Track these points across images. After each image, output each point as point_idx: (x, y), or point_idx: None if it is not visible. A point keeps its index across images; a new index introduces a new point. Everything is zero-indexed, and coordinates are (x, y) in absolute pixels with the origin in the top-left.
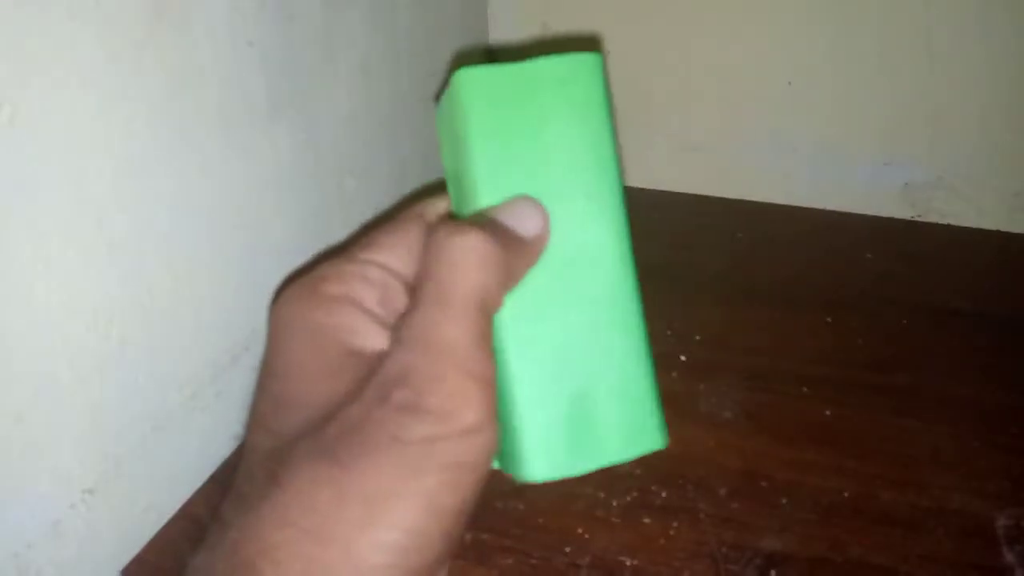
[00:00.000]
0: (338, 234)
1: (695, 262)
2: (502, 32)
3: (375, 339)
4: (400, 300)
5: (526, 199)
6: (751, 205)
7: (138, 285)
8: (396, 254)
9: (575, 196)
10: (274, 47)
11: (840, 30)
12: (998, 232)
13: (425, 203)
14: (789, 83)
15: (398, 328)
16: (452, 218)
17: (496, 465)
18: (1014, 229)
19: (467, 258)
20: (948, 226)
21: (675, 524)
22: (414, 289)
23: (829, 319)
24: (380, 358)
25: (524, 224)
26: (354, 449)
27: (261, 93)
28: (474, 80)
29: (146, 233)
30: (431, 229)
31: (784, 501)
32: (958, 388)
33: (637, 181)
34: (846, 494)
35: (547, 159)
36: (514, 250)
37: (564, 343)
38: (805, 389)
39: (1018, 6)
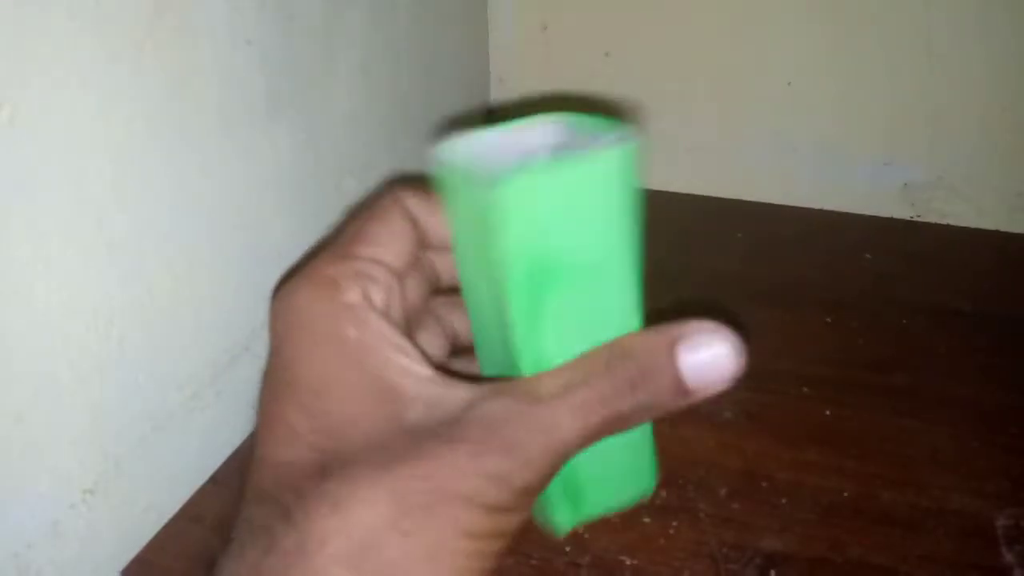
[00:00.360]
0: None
1: (695, 262)
2: (502, 31)
3: (402, 352)
4: (396, 299)
5: (721, 336)
6: (751, 205)
7: (138, 285)
8: (390, 248)
9: (597, 290)
10: (274, 46)
11: (840, 30)
12: (998, 232)
13: (402, 190)
14: (789, 83)
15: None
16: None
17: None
18: (1014, 229)
19: (665, 387)
20: (948, 226)
21: (675, 524)
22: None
23: (829, 319)
24: (451, 391)
25: (707, 374)
26: (426, 497)
27: (261, 93)
28: (512, 198)
29: (146, 233)
30: (669, 338)
31: (784, 501)
32: (958, 388)
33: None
34: (846, 494)
35: (579, 252)
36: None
37: None
38: (805, 389)
39: (1018, 6)
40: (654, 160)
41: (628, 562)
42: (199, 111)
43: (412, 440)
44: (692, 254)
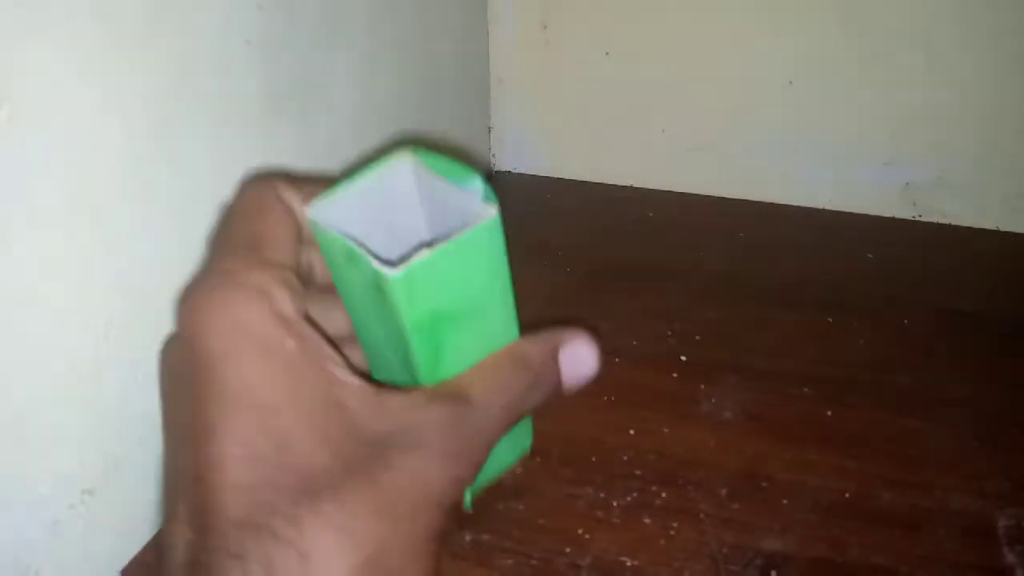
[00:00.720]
0: None
1: (695, 262)
2: (502, 31)
3: (337, 364)
4: (303, 304)
5: (588, 343)
6: (752, 205)
7: (137, 284)
8: (290, 249)
9: (484, 322)
10: (273, 46)
11: (841, 30)
12: (999, 232)
13: (275, 180)
14: (790, 82)
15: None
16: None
17: None
18: (1016, 229)
19: (551, 384)
20: (950, 226)
21: (675, 524)
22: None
23: (830, 319)
24: (370, 395)
25: (579, 371)
26: (406, 509)
27: (260, 93)
28: (406, 281)
29: (145, 232)
30: (560, 339)
31: (785, 502)
32: (959, 388)
33: (637, 181)
34: (847, 494)
35: (467, 301)
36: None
37: None
38: (806, 389)
39: (1019, 6)
40: (654, 160)
41: (628, 563)
42: (198, 111)
43: (375, 452)
44: (692, 254)
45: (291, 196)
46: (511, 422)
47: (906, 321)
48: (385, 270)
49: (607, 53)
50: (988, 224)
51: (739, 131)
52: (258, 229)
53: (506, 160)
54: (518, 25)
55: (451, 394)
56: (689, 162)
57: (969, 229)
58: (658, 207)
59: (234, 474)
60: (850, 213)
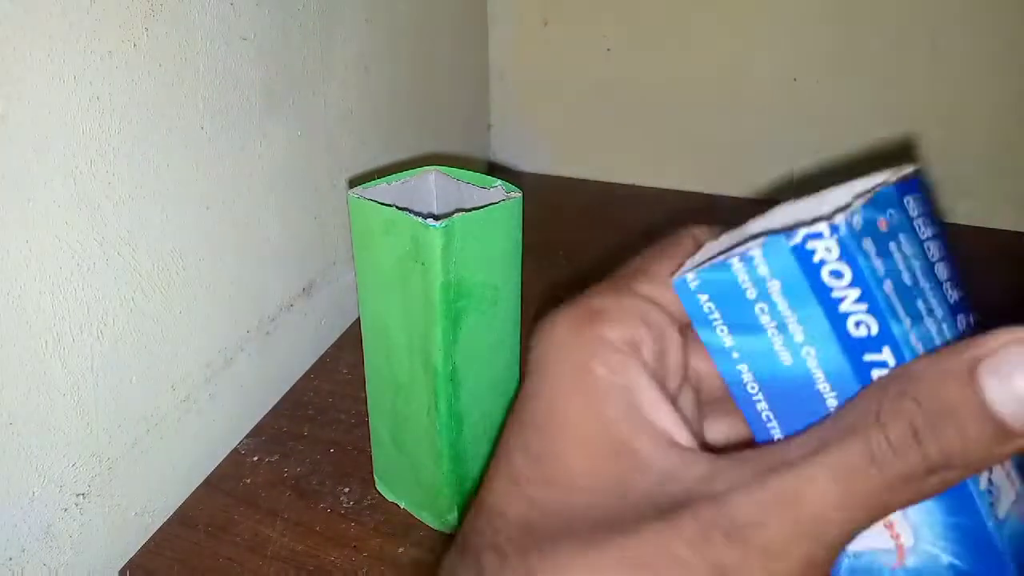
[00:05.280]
0: (334, 234)
1: None
2: (502, 27)
3: (657, 408)
4: (674, 351)
5: None
6: (754, 203)
7: (131, 285)
8: (670, 288)
9: (495, 313)
10: (270, 43)
11: (846, 28)
12: (1005, 231)
13: (697, 226)
14: (794, 80)
15: (764, 456)
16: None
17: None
18: (1020, 228)
19: (971, 429)
20: (955, 225)
21: None
22: (839, 417)
23: None
24: (679, 459)
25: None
26: None
27: (257, 89)
28: (446, 234)
29: (139, 231)
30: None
31: None
32: None
33: (638, 180)
34: None
35: (484, 278)
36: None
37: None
38: None
39: None
40: (655, 159)
41: None
42: (194, 108)
43: (636, 518)
44: None
45: (706, 236)
46: (865, 504)
47: None
48: (429, 222)
49: (608, 49)
50: (994, 223)
51: (741, 129)
52: (646, 261)
53: (506, 157)
54: (518, 21)
55: (769, 460)
56: (690, 160)
57: (975, 228)
58: (659, 204)
59: (491, 495)
60: None
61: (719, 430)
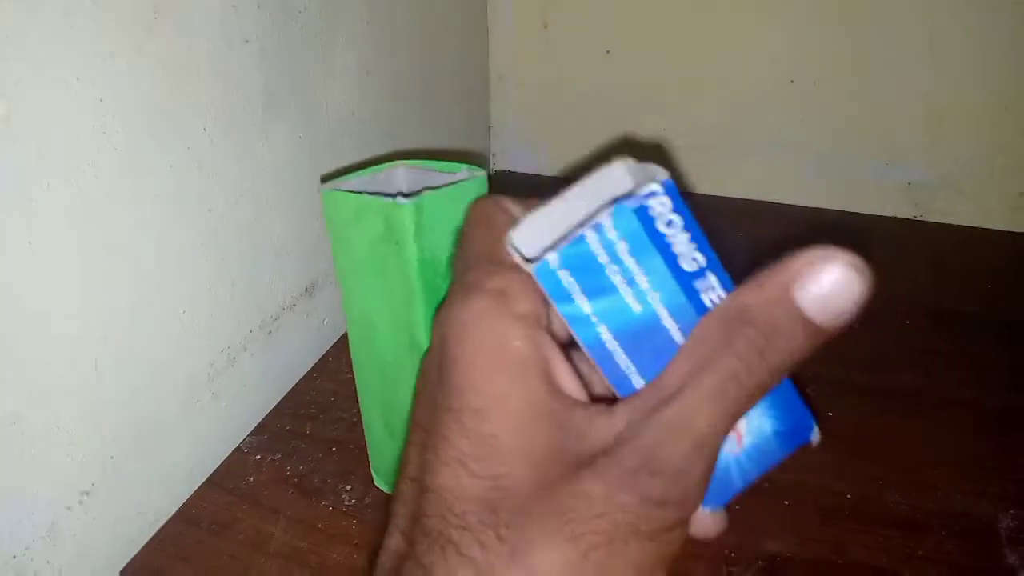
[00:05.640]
0: None
1: None
2: (502, 29)
3: (562, 372)
4: (545, 309)
5: (836, 262)
6: (753, 204)
7: (135, 285)
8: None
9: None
10: (272, 45)
11: (843, 29)
12: (1001, 232)
13: (493, 199)
14: (792, 82)
15: (650, 396)
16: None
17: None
18: (1017, 229)
19: (795, 336)
20: (951, 226)
21: None
22: (691, 343)
23: None
24: (602, 419)
25: (833, 305)
26: (600, 538)
27: (259, 91)
28: (416, 211)
29: (143, 232)
30: (793, 267)
31: (786, 503)
32: (961, 389)
33: None
34: (848, 496)
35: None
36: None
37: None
38: (807, 390)
39: (1021, 7)
40: (654, 159)
41: None
42: (196, 109)
43: (574, 476)
44: None
45: (515, 208)
46: (736, 408)
47: (907, 321)
48: (399, 200)
49: (608, 51)
50: (990, 224)
51: (740, 130)
52: (492, 241)
53: (506, 159)
54: (518, 23)
55: (649, 394)
56: (690, 160)
57: (971, 229)
58: None
59: (437, 477)
60: (851, 212)
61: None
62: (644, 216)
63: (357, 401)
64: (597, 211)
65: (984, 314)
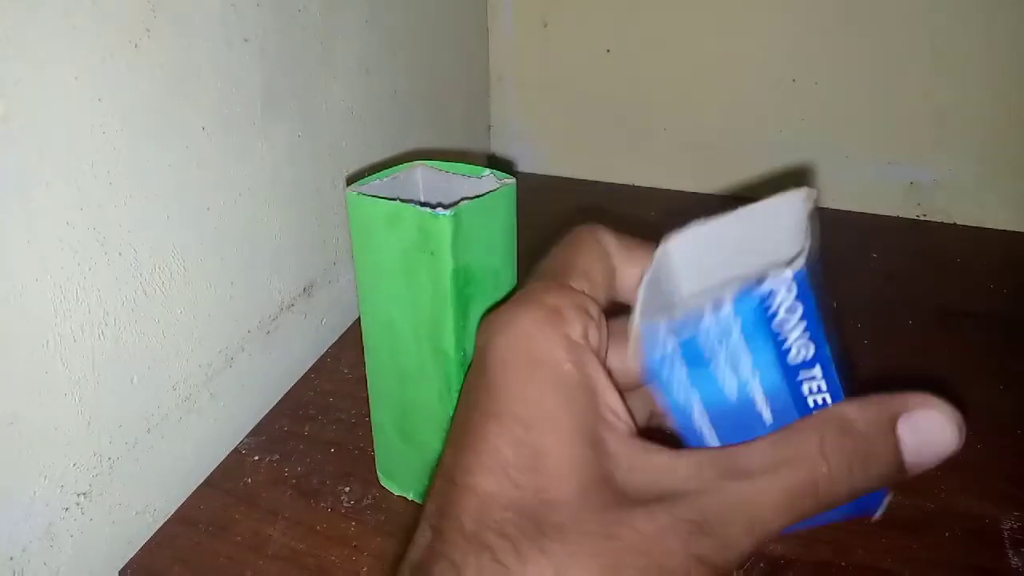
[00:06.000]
0: (335, 233)
1: None
2: (502, 29)
3: (614, 402)
4: (604, 339)
5: (943, 412)
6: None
7: (133, 285)
8: (598, 287)
9: (496, 295)
10: (272, 44)
11: (845, 28)
12: (1004, 232)
13: (597, 227)
14: (793, 80)
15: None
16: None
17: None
18: (1020, 228)
19: (887, 464)
20: (954, 225)
21: None
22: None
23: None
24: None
25: (929, 450)
26: (637, 574)
27: (258, 90)
28: (453, 223)
29: (141, 232)
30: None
31: None
32: (964, 390)
33: (637, 180)
34: None
35: (486, 262)
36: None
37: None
38: None
39: (1023, 6)
40: (656, 158)
41: None
42: (196, 109)
43: (622, 505)
44: None
45: (609, 240)
46: (803, 511)
47: (910, 321)
48: (437, 211)
49: (608, 51)
50: (993, 223)
51: (741, 129)
52: (568, 260)
53: (505, 158)
54: (518, 23)
55: (728, 463)
56: (690, 161)
57: (974, 228)
58: (659, 206)
59: (468, 477)
60: (853, 212)
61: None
62: (765, 302)
63: (356, 402)
64: (744, 266)
65: (987, 314)
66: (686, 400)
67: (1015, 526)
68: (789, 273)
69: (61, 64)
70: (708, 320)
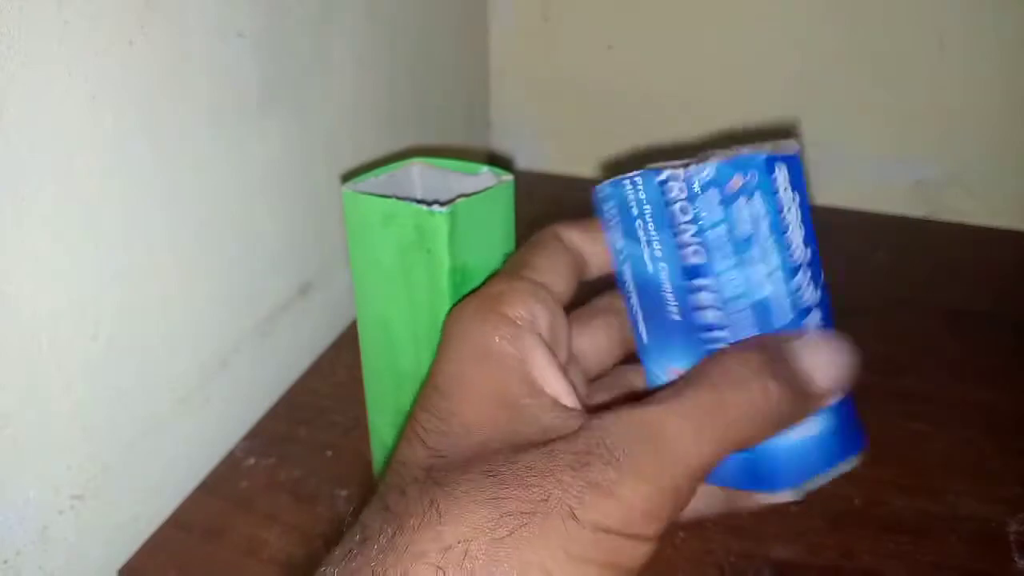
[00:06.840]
0: (332, 231)
1: None
2: (502, 23)
3: (548, 374)
4: (563, 327)
5: (838, 344)
6: None
7: (127, 285)
8: (555, 278)
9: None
10: (266, 39)
11: (852, 25)
12: (1011, 231)
13: (562, 225)
14: (799, 76)
15: (615, 386)
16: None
17: None
18: None
19: (765, 389)
20: (961, 224)
21: (681, 534)
22: (694, 373)
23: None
24: (565, 411)
25: (823, 376)
26: (525, 506)
27: (253, 86)
28: (449, 220)
29: (135, 232)
30: (780, 345)
31: (793, 509)
32: (971, 391)
33: None
34: (856, 501)
35: (481, 258)
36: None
37: None
38: None
39: None
40: (658, 155)
41: None
42: (190, 105)
43: (519, 451)
44: None
45: (577, 236)
46: (715, 436)
47: (917, 322)
48: (434, 208)
49: (609, 46)
50: (1000, 222)
51: (745, 125)
52: (523, 257)
53: (505, 154)
54: (519, 17)
55: (636, 405)
56: (690, 158)
57: (980, 228)
58: None
59: (399, 452)
60: (859, 211)
61: (601, 401)
62: (664, 190)
63: (352, 404)
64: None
65: (996, 314)
66: (621, 268)
67: (1022, 529)
68: (682, 169)
69: (54, 60)
70: (627, 189)
